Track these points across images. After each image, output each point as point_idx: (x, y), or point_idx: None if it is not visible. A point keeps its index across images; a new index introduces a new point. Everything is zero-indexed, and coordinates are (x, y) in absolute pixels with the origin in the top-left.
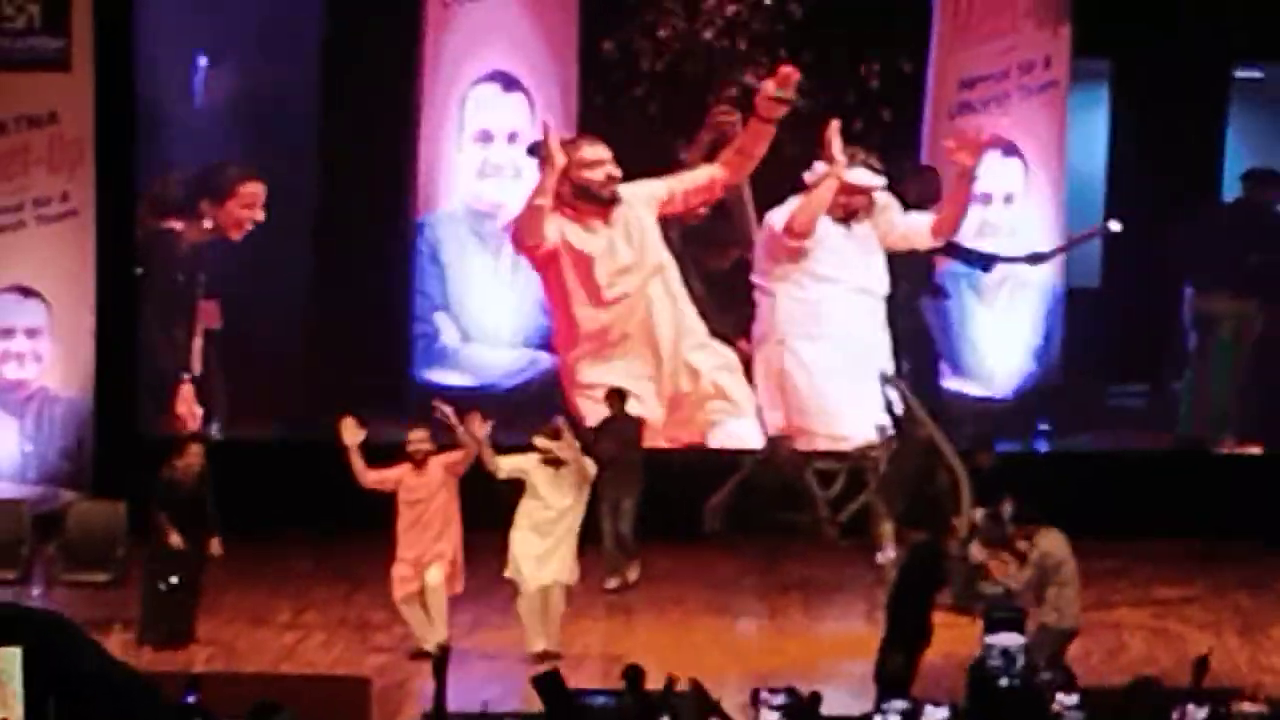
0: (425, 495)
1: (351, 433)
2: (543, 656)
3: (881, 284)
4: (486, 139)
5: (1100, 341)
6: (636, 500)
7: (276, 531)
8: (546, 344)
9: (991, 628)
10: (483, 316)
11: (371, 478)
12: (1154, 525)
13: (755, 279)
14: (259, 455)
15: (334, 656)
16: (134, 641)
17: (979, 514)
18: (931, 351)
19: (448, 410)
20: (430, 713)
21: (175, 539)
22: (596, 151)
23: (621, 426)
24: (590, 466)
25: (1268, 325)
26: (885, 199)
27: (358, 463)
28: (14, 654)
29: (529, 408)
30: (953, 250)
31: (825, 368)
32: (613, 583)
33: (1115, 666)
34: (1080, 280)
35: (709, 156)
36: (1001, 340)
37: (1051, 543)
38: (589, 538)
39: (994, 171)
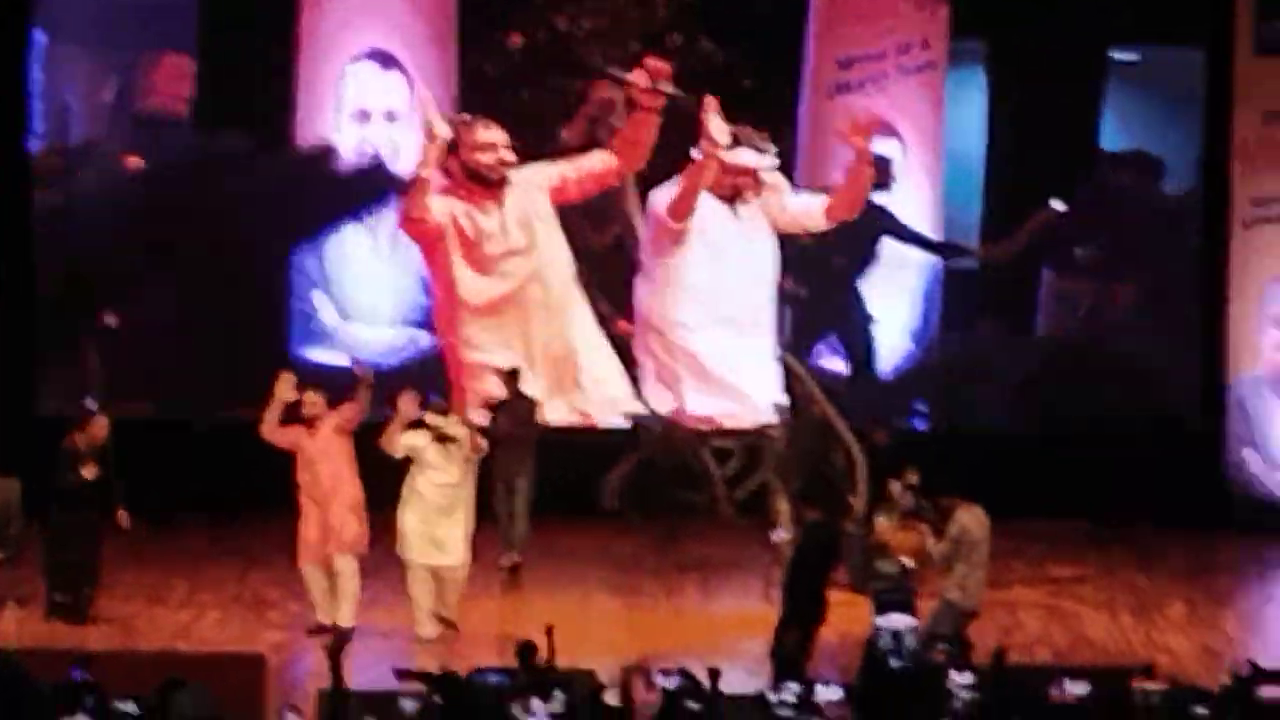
0: (318, 456)
1: (287, 388)
2: (440, 631)
3: (769, 266)
4: (364, 118)
5: (976, 322)
6: (531, 480)
7: (171, 511)
8: (426, 323)
9: (881, 609)
10: (361, 295)
11: (277, 432)
12: (1044, 505)
13: (641, 258)
14: (147, 433)
15: (229, 634)
16: (29, 618)
17: (893, 485)
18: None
19: (364, 368)
20: (327, 692)
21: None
22: (491, 135)
23: (515, 406)
24: (482, 444)
25: (1115, 308)
26: (774, 179)
27: (273, 416)
28: None
29: (409, 387)
30: (905, 235)
31: (712, 350)
32: (507, 560)
33: (1011, 644)
34: (956, 261)
35: (589, 135)
36: (881, 320)
37: (973, 520)
38: (483, 515)
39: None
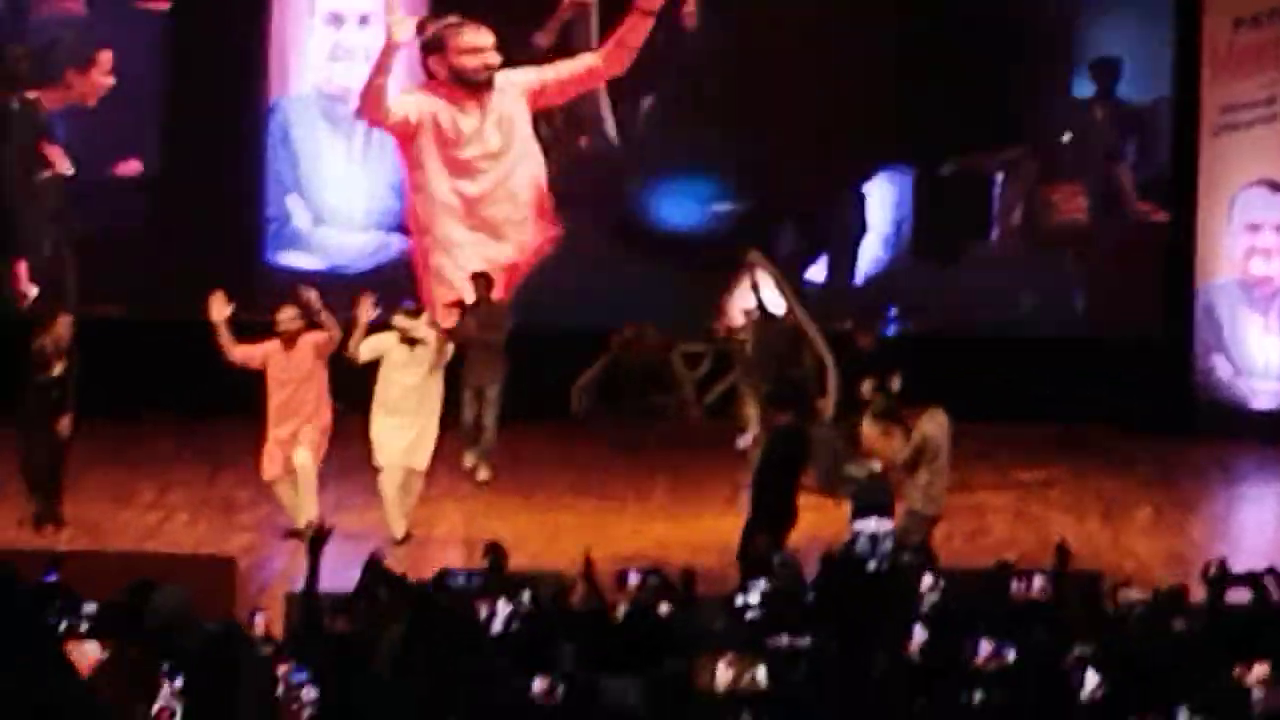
0: (296, 375)
1: (220, 307)
2: (406, 539)
3: None
4: (337, 22)
5: (946, 227)
6: (500, 388)
7: (138, 412)
8: (400, 226)
9: (859, 512)
10: (334, 199)
11: (239, 353)
12: (1012, 409)
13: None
14: (117, 335)
15: (198, 536)
16: None
17: (867, 387)
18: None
19: (311, 295)
20: (299, 593)
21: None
22: (479, 38)
23: (487, 310)
24: (448, 346)
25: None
26: None
27: (225, 337)
28: None
29: (381, 291)
30: None
31: None
32: (481, 474)
33: (977, 549)
34: (929, 169)
35: (562, 40)
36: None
37: (935, 426)
38: (449, 421)
39: None
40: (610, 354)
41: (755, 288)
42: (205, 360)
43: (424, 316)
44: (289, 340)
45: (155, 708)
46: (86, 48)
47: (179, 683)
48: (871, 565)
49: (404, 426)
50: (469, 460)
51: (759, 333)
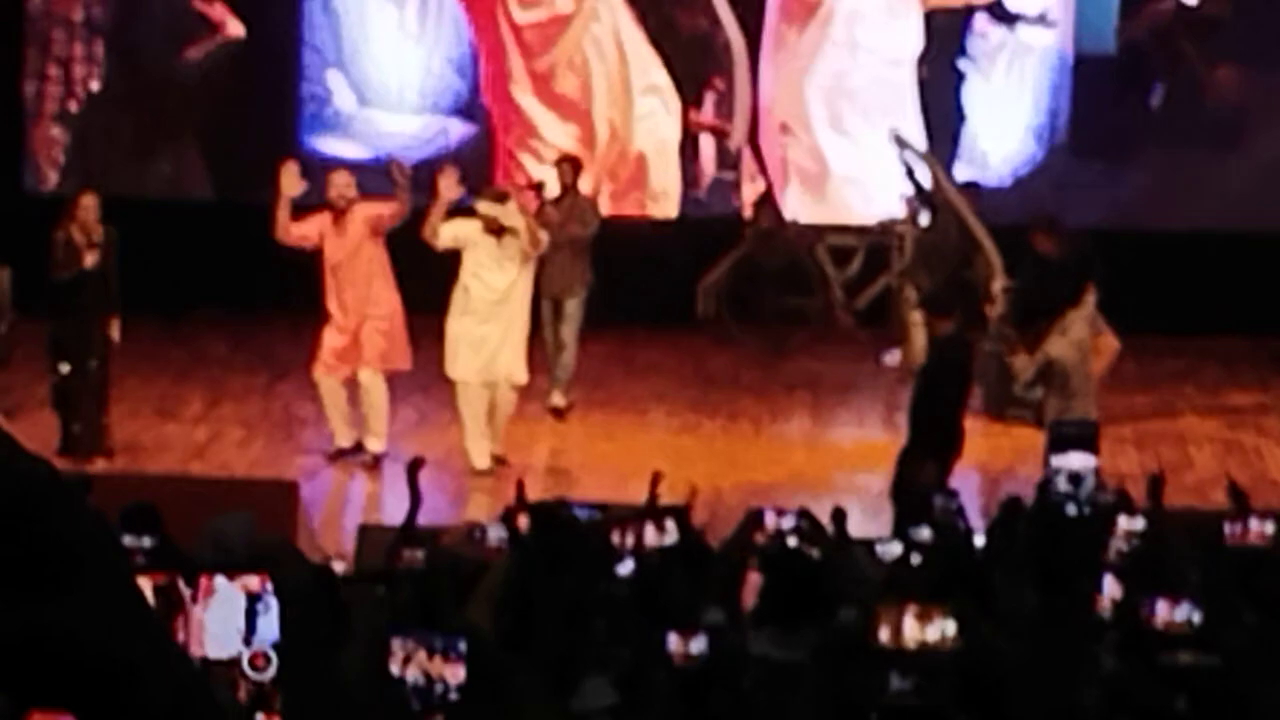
0: (345, 256)
1: (292, 180)
2: (493, 465)
3: (911, 48)
4: None
5: (1115, 115)
6: (582, 300)
7: (184, 309)
8: (460, 109)
9: (1057, 445)
10: (383, 76)
11: (295, 233)
12: (1224, 320)
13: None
14: (154, 219)
15: (252, 456)
16: (19, 433)
17: (997, 287)
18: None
19: (404, 170)
20: (364, 526)
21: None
22: None
23: (571, 202)
24: (541, 236)
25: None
26: None
27: (284, 215)
28: None
29: (449, 164)
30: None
31: (839, 142)
32: (556, 399)
33: (1180, 485)
34: (1092, 45)
35: None
36: (998, 117)
37: (1064, 345)
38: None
39: None
40: (744, 247)
41: (909, 171)
42: (262, 251)
43: (512, 202)
44: (340, 214)
45: (248, 653)
46: None
47: (274, 626)
48: (1071, 509)
49: (487, 333)
50: (553, 399)
51: (922, 225)
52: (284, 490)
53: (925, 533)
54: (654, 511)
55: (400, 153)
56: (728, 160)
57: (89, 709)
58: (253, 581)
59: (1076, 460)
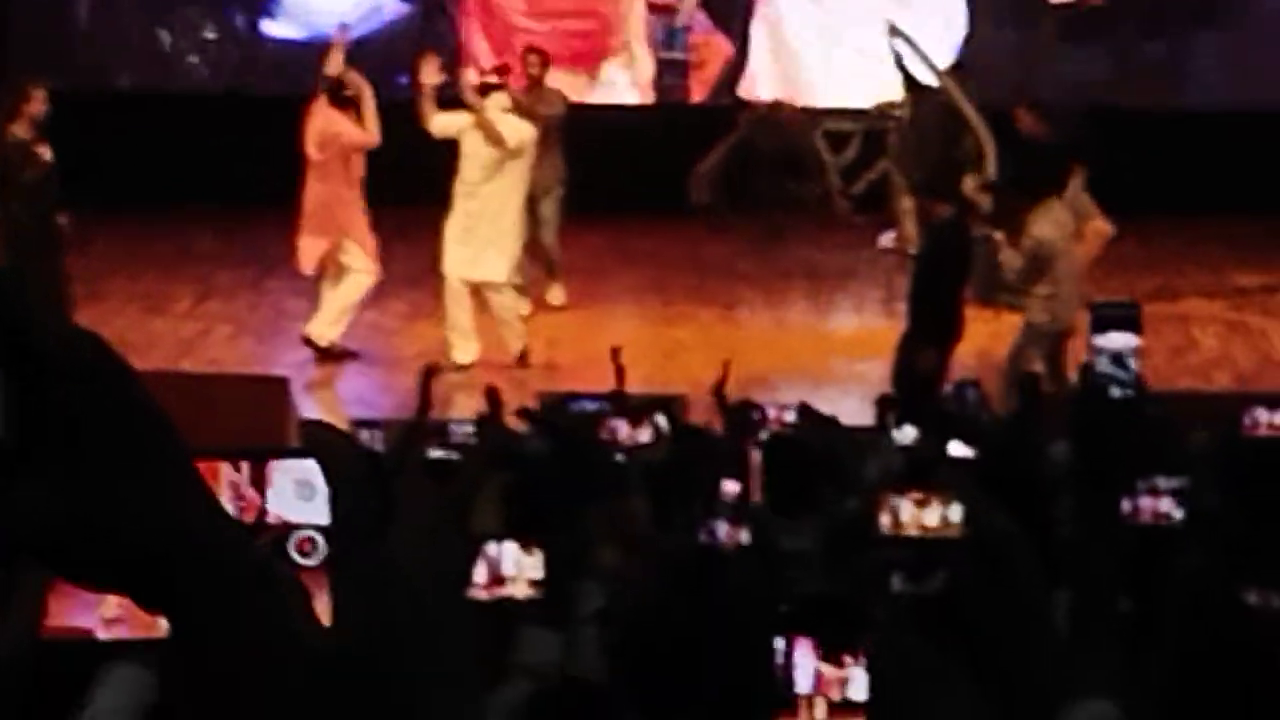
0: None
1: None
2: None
3: None
4: None
5: None
6: (558, 199)
7: (171, 202)
8: None
9: (1100, 325)
10: None
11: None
12: (1227, 198)
13: None
14: (132, 111)
15: (242, 352)
16: None
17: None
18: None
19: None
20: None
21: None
22: None
23: (539, 95)
24: (525, 130)
25: None
26: None
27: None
28: None
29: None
30: None
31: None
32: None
33: (1183, 368)
34: None
35: None
36: None
37: (1048, 226)
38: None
39: None
40: (739, 133)
41: (898, 59)
42: (253, 142)
43: (501, 95)
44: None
45: (295, 539)
46: None
47: (321, 511)
48: (1116, 392)
49: (471, 229)
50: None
51: (913, 110)
52: (274, 386)
53: (933, 421)
54: (649, 404)
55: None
56: (676, 42)
57: (148, 590)
58: (299, 466)
59: (1119, 340)
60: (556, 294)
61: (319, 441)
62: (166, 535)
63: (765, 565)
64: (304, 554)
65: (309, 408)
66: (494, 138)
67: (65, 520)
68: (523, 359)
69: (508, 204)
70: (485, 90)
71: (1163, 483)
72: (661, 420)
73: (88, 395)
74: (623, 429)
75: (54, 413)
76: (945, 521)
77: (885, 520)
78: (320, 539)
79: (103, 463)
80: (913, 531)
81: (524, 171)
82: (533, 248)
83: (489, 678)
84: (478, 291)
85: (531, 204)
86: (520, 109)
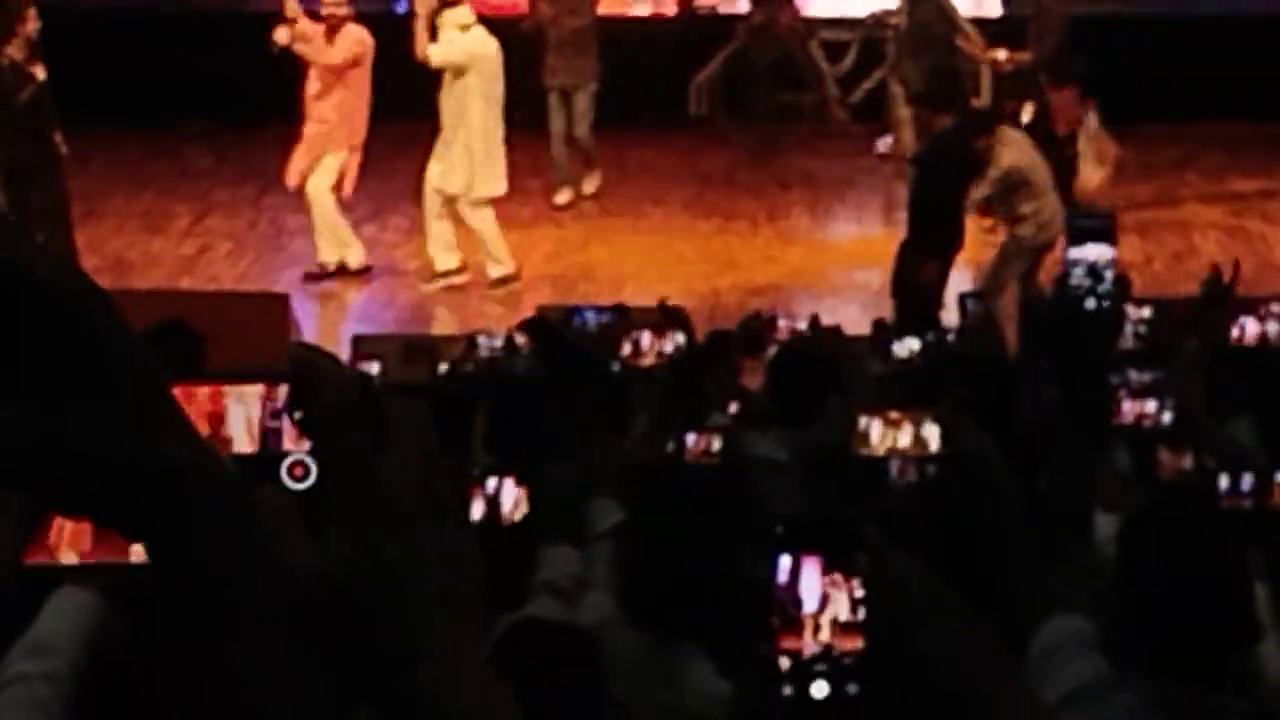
0: (327, 70)
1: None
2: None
3: None
4: None
5: None
6: (591, 93)
7: (168, 119)
8: None
9: (1075, 237)
10: None
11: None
12: (1225, 104)
13: None
14: (131, 27)
15: (242, 270)
16: None
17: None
18: None
19: None
20: (358, 336)
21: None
22: None
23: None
24: (459, 50)
25: None
26: None
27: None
28: None
29: None
30: None
31: None
32: (562, 197)
33: (1183, 273)
34: None
35: None
36: None
37: (1014, 152)
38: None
39: None
40: (736, 43)
41: None
42: (251, 58)
43: (460, 11)
44: (332, 30)
45: (287, 462)
46: None
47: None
48: (1090, 303)
49: (441, 142)
50: (561, 197)
51: (910, 15)
52: (275, 302)
53: (930, 334)
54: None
55: None
56: None
57: (122, 516)
58: (290, 390)
59: (1093, 252)
60: (591, 183)
61: (305, 365)
62: (138, 460)
63: (739, 479)
64: (296, 479)
65: (310, 325)
66: (421, 54)
67: (36, 444)
68: (507, 280)
69: (462, 120)
70: (446, 4)
71: (1136, 375)
72: (680, 335)
73: (60, 321)
74: (645, 339)
75: (25, 339)
76: (918, 441)
77: (857, 440)
78: (313, 464)
79: (74, 388)
80: (880, 453)
81: (480, 87)
82: (569, 140)
83: (510, 599)
84: (451, 203)
85: (565, 99)
86: (536, 15)
